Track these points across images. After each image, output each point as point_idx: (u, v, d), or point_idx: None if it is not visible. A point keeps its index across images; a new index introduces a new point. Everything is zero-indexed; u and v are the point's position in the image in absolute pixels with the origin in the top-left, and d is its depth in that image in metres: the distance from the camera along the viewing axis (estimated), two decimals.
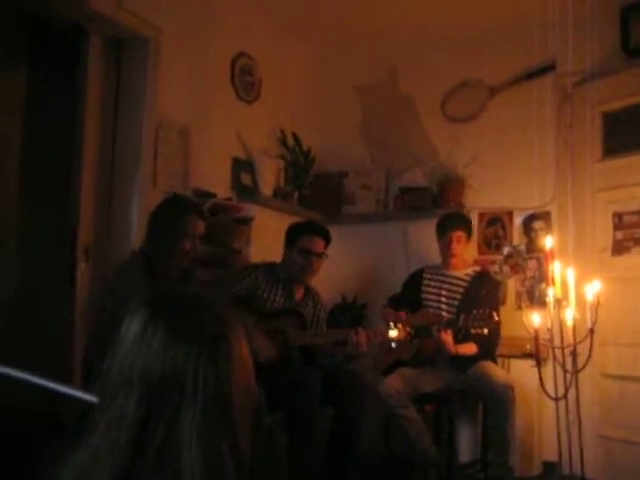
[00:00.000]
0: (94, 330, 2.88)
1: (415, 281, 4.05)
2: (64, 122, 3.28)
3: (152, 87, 3.50)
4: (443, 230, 3.92)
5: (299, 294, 3.62)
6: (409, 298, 3.98)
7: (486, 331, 3.43)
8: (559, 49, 4.12)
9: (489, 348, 3.73)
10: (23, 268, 3.20)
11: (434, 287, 3.95)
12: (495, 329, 3.58)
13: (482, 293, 3.79)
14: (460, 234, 3.88)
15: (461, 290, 3.88)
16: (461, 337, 3.58)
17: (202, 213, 3.13)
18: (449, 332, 3.50)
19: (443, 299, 3.89)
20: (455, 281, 3.92)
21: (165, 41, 3.56)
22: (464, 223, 3.96)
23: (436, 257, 4.19)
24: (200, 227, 3.06)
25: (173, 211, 3.02)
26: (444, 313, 3.80)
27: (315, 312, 3.67)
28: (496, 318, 3.43)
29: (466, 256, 4.09)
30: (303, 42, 4.85)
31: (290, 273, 3.56)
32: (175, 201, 3.16)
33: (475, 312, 3.45)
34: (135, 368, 1.03)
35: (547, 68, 4.26)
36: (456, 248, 3.88)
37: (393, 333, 3.41)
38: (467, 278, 3.91)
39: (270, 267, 3.58)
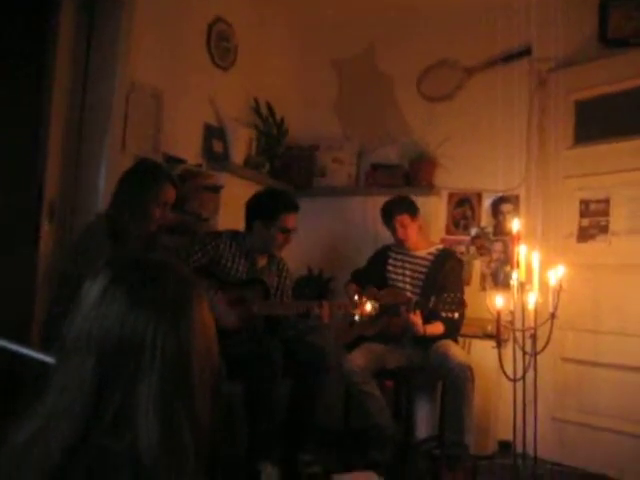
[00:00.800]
0: (56, 292, 2.85)
1: (380, 258, 4.06)
2: (33, 78, 3.20)
3: (125, 48, 3.43)
4: (388, 219, 3.93)
5: (262, 262, 3.61)
6: (373, 274, 3.99)
7: (457, 315, 3.46)
8: (536, 34, 4.14)
9: (455, 330, 3.77)
10: None
11: (399, 267, 3.97)
12: (463, 311, 3.61)
13: (445, 271, 3.81)
14: (403, 217, 3.86)
15: (424, 270, 3.89)
16: (427, 317, 3.60)
17: (174, 181, 3.10)
18: (418, 313, 3.52)
19: (407, 279, 3.91)
20: (418, 260, 3.93)
21: (139, 3, 3.49)
22: (405, 206, 3.91)
23: None
24: (171, 195, 3.03)
25: (146, 177, 2.99)
26: (408, 293, 3.82)
27: (280, 280, 3.67)
28: (466, 303, 3.46)
29: (428, 234, 4.10)
30: (282, 11, 4.80)
31: (262, 247, 3.55)
32: (148, 167, 3.11)
33: (446, 295, 3.47)
34: (93, 331, 1.01)
35: (523, 52, 4.27)
36: (403, 233, 3.88)
37: (368, 307, 3.41)
38: (430, 257, 3.92)
39: (232, 235, 3.56)
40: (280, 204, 3.54)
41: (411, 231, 3.90)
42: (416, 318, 3.52)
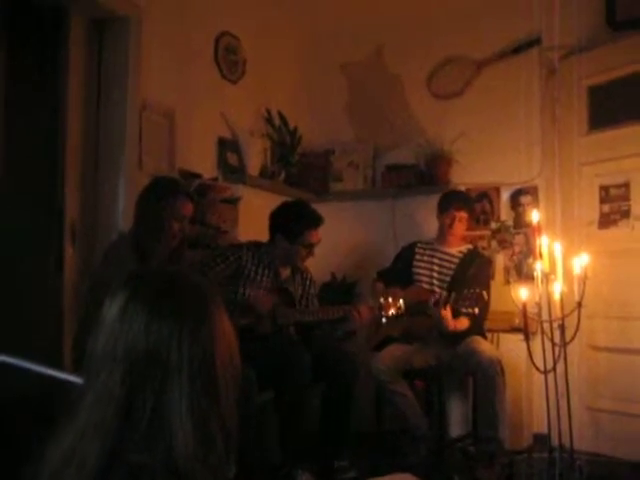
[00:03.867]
0: (84, 312, 2.88)
1: (407, 255, 4.06)
2: (47, 105, 3.24)
3: (134, 68, 3.45)
4: (446, 208, 3.93)
5: (285, 273, 3.62)
6: (400, 272, 3.99)
7: (477, 311, 3.46)
8: (545, 23, 4.12)
9: (478, 324, 3.76)
10: (9, 253, 3.17)
11: (426, 262, 3.97)
12: (484, 307, 3.60)
13: (473, 271, 3.81)
14: (463, 215, 3.90)
15: (453, 267, 3.90)
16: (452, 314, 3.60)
17: (190, 195, 3.13)
18: (448, 308, 3.51)
19: (435, 274, 3.91)
20: (448, 257, 3.94)
21: (146, 21, 3.51)
22: (468, 204, 3.97)
23: (424, 234, 4.21)
24: (188, 209, 3.06)
25: (161, 193, 3.01)
26: (436, 289, 3.82)
27: (305, 289, 3.68)
28: (486, 298, 3.45)
29: (463, 234, 4.11)
30: (287, 19, 4.81)
31: (285, 260, 3.57)
32: (163, 183, 3.14)
33: (465, 292, 3.47)
34: (118, 346, 1.03)
35: (533, 42, 4.25)
36: (457, 227, 3.90)
37: (394, 308, 3.41)
38: (460, 255, 3.93)
39: (254, 246, 3.58)
40: (304, 220, 3.52)
41: (462, 228, 3.93)
42: (447, 313, 3.51)
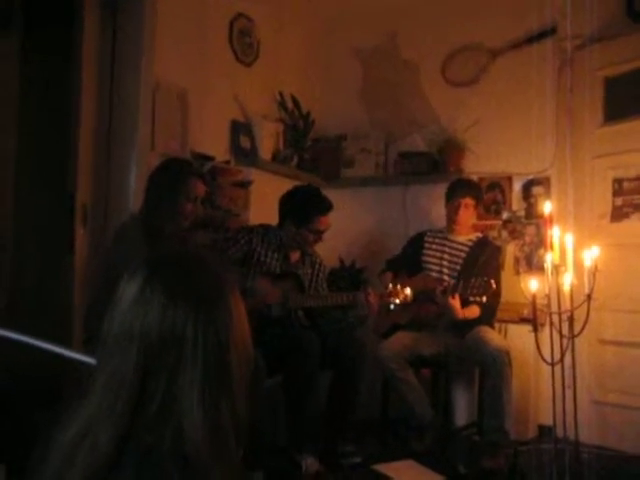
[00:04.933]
0: (95, 293, 2.89)
1: (416, 244, 4.05)
2: (60, 86, 3.25)
3: (148, 49, 3.45)
4: (452, 195, 3.92)
5: (295, 256, 3.63)
6: (409, 260, 3.99)
7: (485, 299, 3.45)
8: (560, 12, 4.07)
9: (489, 313, 3.75)
10: (21, 232, 3.19)
11: (436, 250, 3.96)
12: (495, 296, 3.60)
13: (483, 259, 3.81)
14: (468, 201, 3.89)
15: (463, 255, 3.89)
16: (462, 303, 3.60)
17: (203, 176, 3.13)
18: (457, 297, 3.52)
19: (445, 263, 3.91)
20: (458, 246, 3.93)
21: (161, 1, 3.50)
22: (473, 191, 3.95)
23: (435, 222, 4.20)
24: (201, 189, 3.06)
25: (175, 174, 3.01)
26: (445, 277, 3.82)
27: (314, 272, 3.68)
28: (494, 286, 3.44)
29: (472, 222, 4.09)
30: (302, 3, 4.78)
31: (295, 244, 3.56)
32: (175, 164, 3.14)
33: (473, 280, 3.47)
34: (134, 329, 1.03)
35: (547, 32, 4.21)
36: (462, 215, 3.89)
37: (402, 295, 3.41)
38: (469, 244, 3.92)
39: (265, 230, 3.58)
40: (313, 206, 3.51)
41: (469, 216, 3.93)
42: (455, 302, 3.51)
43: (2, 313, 2.94)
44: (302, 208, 3.51)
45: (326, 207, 3.54)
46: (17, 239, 3.14)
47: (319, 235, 3.55)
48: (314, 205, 3.52)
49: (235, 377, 1.06)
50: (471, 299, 3.51)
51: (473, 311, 3.64)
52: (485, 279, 3.46)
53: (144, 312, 1.03)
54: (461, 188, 3.92)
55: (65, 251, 3.21)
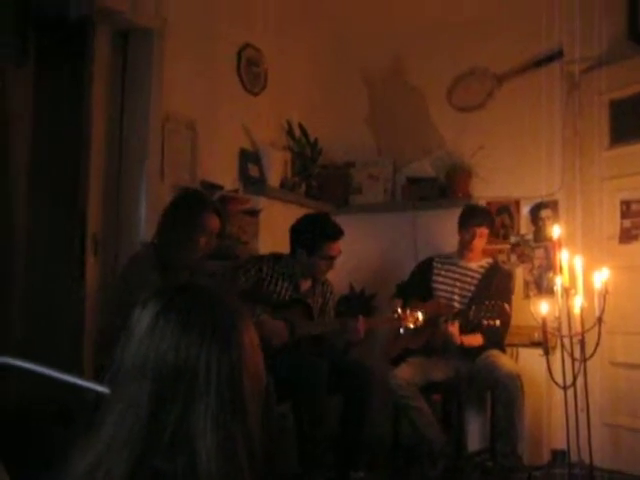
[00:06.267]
0: (106, 322, 2.90)
1: (424, 270, 4.06)
2: (72, 116, 3.28)
3: (157, 79, 3.50)
4: (467, 223, 3.92)
5: (305, 285, 3.63)
6: (418, 287, 3.99)
7: (498, 322, 3.45)
8: (566, 36, 4.11)
9: (498, 339, 3.74)
10: (32, 262, 3.21)
11: (446, 277, 3.97)
12: (506, 320, 3.60)
13: (494, 285, 3.81)
14: (483, 230, 3.90)
15: (475, 282, 3.89)
16: (471, 328, 3.60)
17: (219, 210, 3.15)
18: (456, 324, 3.52)
19: (456, 290, 3.91)
20: (470, 272, 3.94)
21: (170, 33, 3.56)
22: (488, 220, 3.97)
23: (444, 247, 4.21)
24: (216, 224, 3.07)
25: (192, 207, 3.03)
26: (456, 304, 3.82)
27: (325, 301, 3.69)
28: (507, 309, 3.44)
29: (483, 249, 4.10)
30: (309, 32, 4.84)
31: (306, 272, 3.57)
32: (193, 197, 3.18)
33: (487, 303, 3.47)
34: (148, 358, 1.04)
35: (554, 55, 4.24)
36: (477, 243, 3.90)
37: (412, 320, 3.42)
38: (481, 270, 3.93)
39: (275, 259, 3.59)
40: (323, 234, 3.52)
41: (482, 244, 3.93)
42: (453, 328, 3.52)
43: (19, 344, 2.95)
44: (313, 235, 3.52)
45: (337, 233, 3.55)
46: (28, 266, 3.16)
47: (331, 262, 3.56)
48: (324, 232, 3.54)
49: (249, 405, 1.07)
50: (485, 322, 3.50)
51: (475, 339, 3.63)
52: (498, 302, 3.46)
53: (158, 342, 1.04)
54: (476, 217, 3.93)
55: (76, 281, 3.23)
